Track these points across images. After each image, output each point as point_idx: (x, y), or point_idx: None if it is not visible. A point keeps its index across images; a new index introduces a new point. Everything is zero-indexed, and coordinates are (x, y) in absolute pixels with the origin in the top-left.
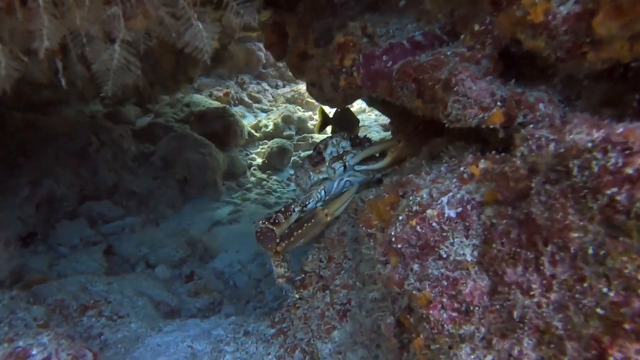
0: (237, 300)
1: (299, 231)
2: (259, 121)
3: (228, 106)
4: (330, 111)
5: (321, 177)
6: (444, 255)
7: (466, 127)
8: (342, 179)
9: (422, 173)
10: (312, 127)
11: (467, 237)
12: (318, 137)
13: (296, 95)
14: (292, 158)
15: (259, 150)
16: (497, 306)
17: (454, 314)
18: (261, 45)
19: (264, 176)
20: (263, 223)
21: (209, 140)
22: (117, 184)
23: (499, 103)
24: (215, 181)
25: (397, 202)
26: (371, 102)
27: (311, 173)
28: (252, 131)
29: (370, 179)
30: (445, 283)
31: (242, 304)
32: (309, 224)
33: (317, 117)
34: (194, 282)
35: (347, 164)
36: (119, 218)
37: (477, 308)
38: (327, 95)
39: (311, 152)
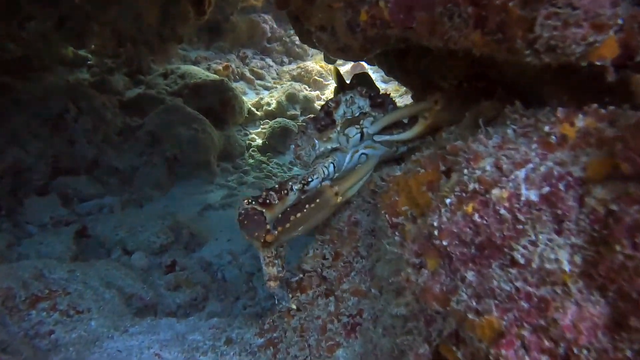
0: (225, 296)
1: (298, 215)
2: (261, 98)
3: (227, 79)
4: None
5: (329, 146)
6: (521, 261)
7: (559, 62)
8: (357, 150)
9: (480, 136)
10: (319, 107)
11: (559, 232)
12: None
13: (303, 73)
14: None
15: (259, 130)
16: (627, 351)
17: None
18: (267, 17)
19: (264, 159)
20: (249, 203)
21: (204, 116)
22: (97, 159)
23: (619, 21)
24: (209, 161)
25: (437, 180)
26: (390, 70)
27: (316, 141)
28: (253, 109)
29: (393, 154)
30: (526, 305)
31: (231, 300)
32: (312, 206)
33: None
34: (175, 274)
35: (364, 130)
36: (96, 197)
37: (585, 352)
38: (341, 42)
39: (317, 113)
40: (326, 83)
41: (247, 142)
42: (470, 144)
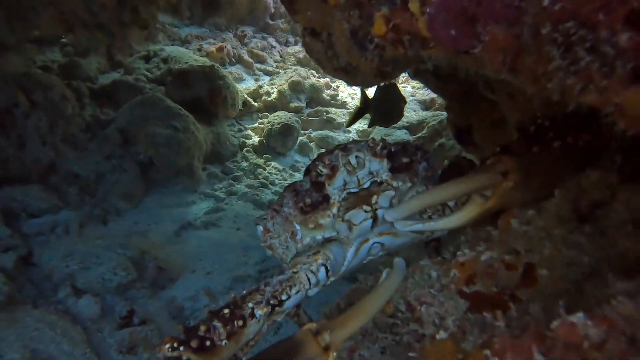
0: None
1: None
2: (260, 86)
3: (217, 65)
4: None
5: (320, 236)
6: None
7: None
8: (367, 239)
9: None
10: (328, 98)
11: None
12: (335, 113)
13: None
14: (300, 139)
15: (256, 125)
16: None
17: None
18: None
19: (260, 161)
20: (172, 348)
21: (191, 109)
22: (54, 163)
23: None
24: (191, 166)
25: None
26: (416, 73)
27: (297, 227)
28: (250, 99)
29: (421, 239)
30: None
31: None
32: None
33: (333, 85)
34: (130, 330)
35: (379, 214)
36: (50, 211)
37: None
38: (342, 59)
39: (298, 180)
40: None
41: (241, 140)
42: None
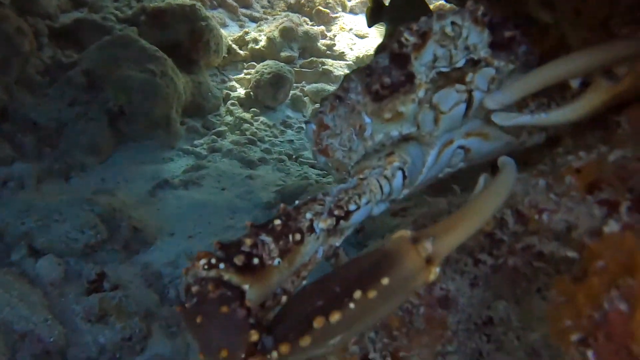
0: (178, 329)
1: (335, 316)
2: (246, 33)
3: (199, 4)
4: None
5: (396, 132)
6: None
7: None
8: (451, 140)
9: None
10: (324, 48)
11: None
12: (332, 64)
13: (303, 1)
14: (292, 92)
15: (242, 76)
16: None
17: None
18: None
19: (247, 116)
20: (209, 264)
21: (167, 54)
22: (6, 108)
23: None
24: (169, 117)
25: None
26: None
27: (368, 120)
28: (235, 47)
29: (516, 148)
30: None
31: (186, 338)
32: (369, 293)
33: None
34: (100, 295)
35: (476, 96)
36: (1, 162)
37: None
38: None
39: (372, 59)
40: (334, 16)
41: (225, 91)
42: None
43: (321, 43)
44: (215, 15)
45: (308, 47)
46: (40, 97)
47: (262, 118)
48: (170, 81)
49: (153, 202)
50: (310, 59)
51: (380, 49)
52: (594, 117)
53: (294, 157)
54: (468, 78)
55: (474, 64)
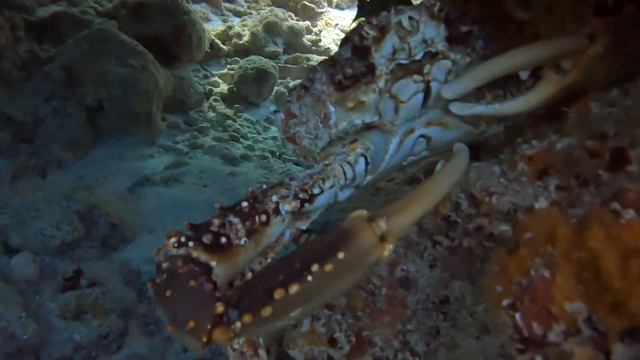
0: (156, 327)
1: (294, 288)
2: (229, 27)
3: None
4: None
5: (359, 120)
6: None
7: None
8: (412, 129)
9: None
10: (310, 44)
11: None
12: (317, 60)
13: None
14: (276, 88)
15: (225, 71)
16: None
17: None
18: None
19: (230, 112)
20: (179, 243)
21: (148, 48)
22: None
23: None
24: (150, 113)
25: None
26: None
27: (332, 108)
28: (218, 42)
29: (476, 138)
30: None
31: (164, 336)
32: (326, 268)
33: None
34: (77, 292)
35: (434, 87)
36: None
37: None
38: None
39: (336, 51)
40: (319, 11)
41: (208, 87)
42: None
43: (306, 38)
44: (198, 9)
45: (293, 42)
46: (16, 92)
47: (245, 114)
48: (150, 76)
49: (133, 199)
50: (295, 55)
51: (343, 42)
52: (551, 109)
53: (277, 154)
54: (426, 69)
55: (432, 56)
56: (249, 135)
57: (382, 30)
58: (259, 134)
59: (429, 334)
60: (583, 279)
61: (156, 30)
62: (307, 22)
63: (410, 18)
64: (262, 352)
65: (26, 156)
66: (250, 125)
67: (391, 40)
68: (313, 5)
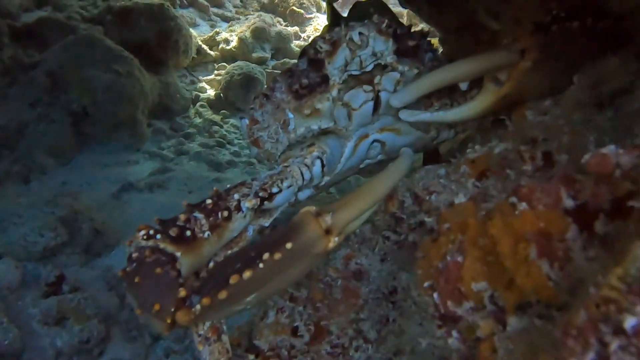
0: (139, 333)
1: (247, 274)
2: (217, 33)
3: (167, 4)
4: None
5: (316, 126)
6: None
7: None
8: (366, 135)
9: None
10: (298, 49)
11: None
12: None
13: (277, 1)
14: None
15: (212, 77)
16: None
17: None
18: None
19: (217, 118)
20: (148, 235)
21: (134, 54)
22: None
23: None
24: (135, 118)
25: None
26: (407, 0)
27: (291, 115)
28: (205, 47)
29: (428, 143)
30: None
31: (146, 342)
32: (277, 256)
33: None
34: (59, 298)
35: (383, 97)
36: None
37: None
38: None
39: (295, 61)
40: (308, 16)
41: (195, 93)
42: None
43: (294, 44)
44: (185, 15)
45: (281, 47)
46: (0, 98)
47: (232, 120)
48: (136, 81)
49: (117, 205)
50: (282, 60)
51: (301, 55)
52: (496, 117)
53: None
54: (376, 80)
55: (382, 68)
56: (235, 141)
57: (334, 44)
58: (246, 140)
59: (380, 322)
60: (487, 262)
61: (142, 35)
62: (296, 28)
63: (360, 34)
64: (224, 338)
65: (9, 162)
66: (237, 131)
67: (343, 54)
68: (302, 11)
